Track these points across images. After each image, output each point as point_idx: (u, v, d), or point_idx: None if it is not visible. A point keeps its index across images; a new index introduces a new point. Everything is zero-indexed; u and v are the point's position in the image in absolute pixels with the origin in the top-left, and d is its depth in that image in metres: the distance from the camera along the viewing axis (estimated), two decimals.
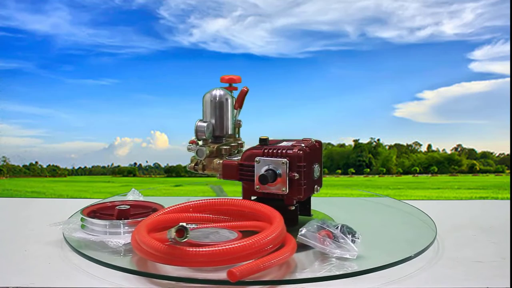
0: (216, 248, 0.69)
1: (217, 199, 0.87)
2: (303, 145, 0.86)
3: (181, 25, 2.85)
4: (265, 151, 0.86)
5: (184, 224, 0.69)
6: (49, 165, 3.04)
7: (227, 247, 0.69)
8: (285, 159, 0.84)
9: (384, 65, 2.92)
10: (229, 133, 0.97)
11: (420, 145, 3.27)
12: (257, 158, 0.86)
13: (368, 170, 3.30)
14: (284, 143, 0.89)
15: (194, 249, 0.69)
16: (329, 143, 3.32)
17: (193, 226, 0.84)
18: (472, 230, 0.96)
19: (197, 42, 2.87)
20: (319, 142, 0.92)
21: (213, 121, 0.95)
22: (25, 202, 1.36)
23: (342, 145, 3.32)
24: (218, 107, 0.95)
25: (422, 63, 2.93)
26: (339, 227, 0.79)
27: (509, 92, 2.77)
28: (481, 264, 0.78)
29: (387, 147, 3.35)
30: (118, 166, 3.11)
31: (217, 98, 0.95)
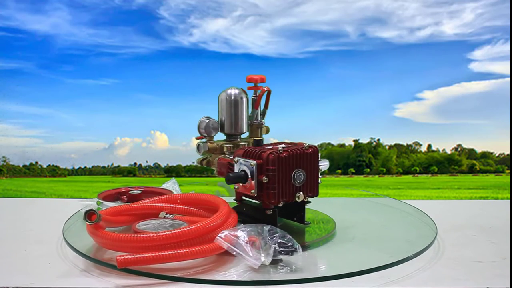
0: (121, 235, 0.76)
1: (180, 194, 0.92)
2: (280, 148, 0.84)
3: (181, 25, 2.84)
4: (246, 151, 0.86)
5: (93, 208, 0.77)
6: (49, 165, 3.03)
7: (130, 235, 0.75)
8: (254, 161, 0.83)
9: (384, 65, 2.92)
10: (243, 131, 0.96)
11: (420, 145, 3.27)
12: (235, 158, 0.86)
13: (368, 170, 3.30)
14: (280, 146, 0.88)
15: (108, 233, 0.77)
16: (329, 143, 3.32)
17: (170, 216, 0.89)
18: (472, 230, 0.96)
19: (197, 42, 2.87)
20: (313, 148, 0.87)
21: (223, 118, 0.95)
22: (25, 202, 1.36)
23: (342, 145, 3.32)
24: (233, 105, 0.95)
25: (422, 63, 2.93)
26: (276, 237, 0.75)
27: (509, 92, 2.77)
28: (481, 264, 0.78)
29: (387, 147, 3.34)
30: (118, 166, 3.11)
31: (232, 97, 0.95)
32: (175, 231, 0.75)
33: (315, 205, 0.99)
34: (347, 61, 2.90)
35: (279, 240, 0.75)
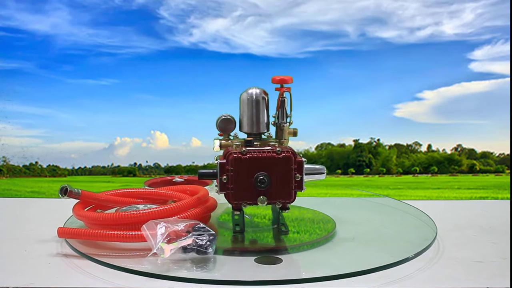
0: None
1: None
2: (245, 149, 0.83)
3: (181, 25, 2.85)
4: (225, 151, 0.86)
5: (67, 185, 0.86)
6: (49, 165, 3.04)
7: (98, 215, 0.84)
8: (218, 160, 0.83)
9: (384, 65, 2.92)
10: (262, 131, 0.95)
11: (420, 145, 3.27)
12: (216, 156, 0.86)
13: (368, 170, 3.30)
14: (260, 148, 0.86)
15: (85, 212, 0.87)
16: (329, 143, 3.32)
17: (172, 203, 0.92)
18: (472, 230, 0.96)
19: (197, 42, 2.88)
20: (286, 153, 0.83)
21: (241, 117, 0.95)
22: (25, 202, 1.36)
23: (342, 145, 3.32)
24: (252, 105, 0.94)
25: (422, 63, 2.93)
26: (194, 235, 0.76)
27: (509, 92, 2.77)
28: (481, 264, 0.78)
29: (387, 147, 3.35)
30: (118, 166, 3.11)
31: (253, 97, 0.94)
32: (113, 215, 0.83)
33: (315, 205, 0.98)
34: (347, 61, 2.91)
35: (193, 239, 0.75)
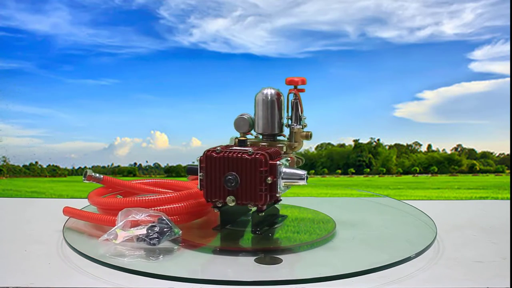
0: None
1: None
2: (218, 149, 0.84)
3: (181, 25, 2.85)
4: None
5: (88, 170, 0.95)
6: (49, 165, 3.03)
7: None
8: (198, 157, 0.85)
9: (384, 65, 2.92)
10: (275, 132, 0.94)
11: (420, 145, 3.27)
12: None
13: (368, 170, 3.30)
14: (241, 148, 0.86)
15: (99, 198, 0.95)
16: (329, 143, 3.32)
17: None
18: (472, 230, 0.96)
19: (197, 42, 2.87)
20: (256, 155, 0.81)
21: (255, 118, 0.94)
22: (25, 202, 1.36)
23: (342, 145, 3.32)
24: (269, 106, 0.93)
25: (422, 63, 2.93)
26: (150, 228, 0.80)
27: (509, 92, 2.77)
28: (481, 264, 0.78)
29: (387, 147, 3.35)
30: (118, 166, 3.11)
31: (268, 97, 0.93)
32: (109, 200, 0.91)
33: (315, 205, 0.98)
34: (347, 61, 2.90)
35: (144, 230, 0.80)
